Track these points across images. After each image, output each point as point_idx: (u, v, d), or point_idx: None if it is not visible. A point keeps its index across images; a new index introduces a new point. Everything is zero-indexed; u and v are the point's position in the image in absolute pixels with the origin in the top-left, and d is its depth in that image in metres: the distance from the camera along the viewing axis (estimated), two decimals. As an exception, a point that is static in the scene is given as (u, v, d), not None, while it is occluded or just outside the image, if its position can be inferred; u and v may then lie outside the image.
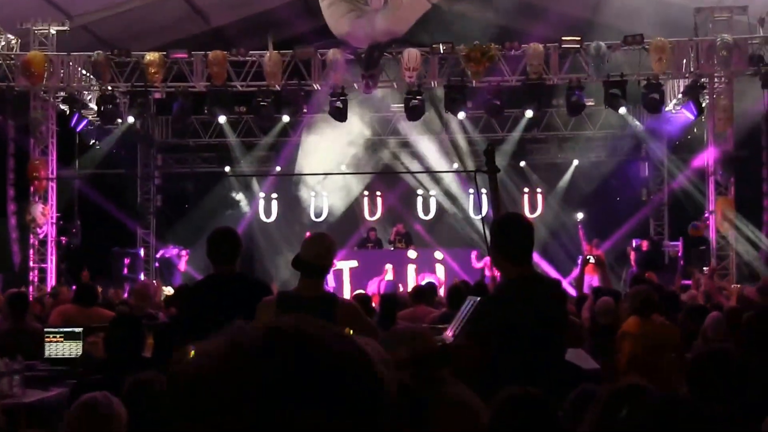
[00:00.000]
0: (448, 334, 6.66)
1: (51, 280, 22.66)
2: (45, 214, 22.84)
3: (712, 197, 22.47)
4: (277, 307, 6.10)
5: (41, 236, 22.96)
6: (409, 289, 20.47)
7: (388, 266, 23.62)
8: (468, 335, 5.74)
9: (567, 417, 4.46)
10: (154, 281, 22.15)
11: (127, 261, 25.49)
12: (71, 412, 4.91)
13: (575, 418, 4.35)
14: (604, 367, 9.86)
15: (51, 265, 23.04)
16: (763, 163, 22.83)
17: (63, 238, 23.53)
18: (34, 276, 22.78)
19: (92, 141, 24.74)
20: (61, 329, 10.03)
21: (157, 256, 26.49)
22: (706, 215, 22.69)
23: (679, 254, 24.47)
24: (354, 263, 24.32)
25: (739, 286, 18.37)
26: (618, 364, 9.93)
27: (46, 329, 10.14)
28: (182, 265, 25.34)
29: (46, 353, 9.83)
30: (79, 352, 9.64)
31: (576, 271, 23.15)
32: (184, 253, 25.53)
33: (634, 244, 24.86)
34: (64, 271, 23.12)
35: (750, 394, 5.16)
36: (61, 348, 9.82)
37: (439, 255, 24.34)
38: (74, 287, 15.32)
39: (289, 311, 5.74)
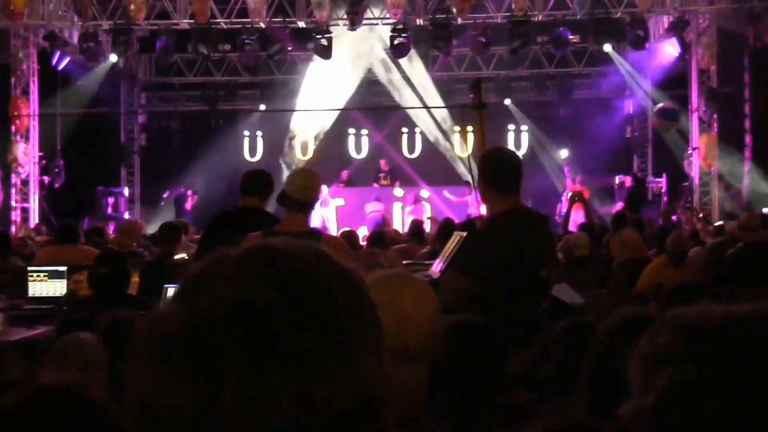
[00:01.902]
0: (435, 269, 6.65)
1: (34, 220, 22.59)
2: (27, 154, 22.72)
3: (695, 133, 22.51)
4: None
5: (23, 176, 22.86)
6: (395, 226, 20.53)
7: (379, 205, 23.70)
8: (455, 269, 5.73)
9: (559, 351, 4.45)
10: (138, 220, 22.09)
11: (111, 200, 25.42)
12: (56, 349, 4.88)
13: (566, 352, 4.35)
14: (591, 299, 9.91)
15: (34, 204, 22.96)
16: (746, 99, 22.85)
17: (45, 178, 23.43)
18: (16, 216, 22.70)
19: (74, 79, 24.53)
20: (45, 268, 10.01)
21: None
22: (690, 151, 22.73)
23: (663, 191, 24.55)
24: (341, 201, 24.34)
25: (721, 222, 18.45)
26: None
27: (30, 268, 10.11)
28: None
29: (31, 292, 9.80)
30: (64, 290, 9.62)
31: (560, 208, 23.28)
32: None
33: (618, 181, 24.92)
34: (47, 211, 23.04)
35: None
36: (45, 287, 9.80)
37: (425, 193, 24.32)
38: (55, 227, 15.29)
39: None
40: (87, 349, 4.70)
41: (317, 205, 23.18)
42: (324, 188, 23.39)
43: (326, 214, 23.52)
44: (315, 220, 22.86)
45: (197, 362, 1.16)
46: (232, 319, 1.18)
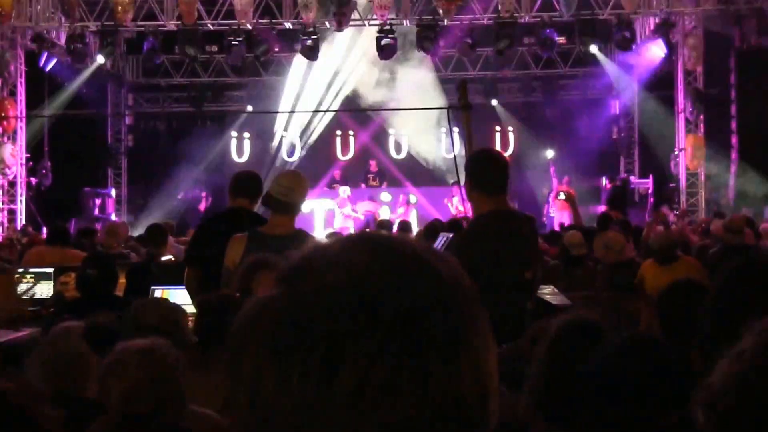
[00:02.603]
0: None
1: (21, 222, 22.54)
2: (14, 155, 22.67)
3: (682, 134, 22.56)
4: (247, 244, 6.10)
5: (10, 177, 22.80)
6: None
7: (371, 205, 23.76)
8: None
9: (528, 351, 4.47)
10: (117, 221, 22.06)
11: (98, 201, 25.37)
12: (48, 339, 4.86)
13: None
14: (575, 301, 9.94)
15: (21, 206, 22.91)
16: (732, 100, 22.92)
17: (33, 179, 23.38)
18: (3, 217, 22.65)
19: (61, 81, 24.47)
20: (32, 269, 9.98)
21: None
22: (677, 152, 22.79)
23: (649, 192, 24.58)
24: (329, 203, 24.29)
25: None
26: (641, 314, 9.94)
27: (17, 270, 10.09)
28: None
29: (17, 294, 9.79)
30: (51, 292, 9.61)
31: (547, 208, 23.36)
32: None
33: (604, 183, 24.98)
34: (34, 212, 22.99)
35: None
36: (32, 288, 9.78)
37: (413, 198, 24.28)
38: (45, 228, 15.25)
39: (260, 248, 5.75)
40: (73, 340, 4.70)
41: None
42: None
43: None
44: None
45: (311, 349, 1.11)
46: (347, 303, 1.13)
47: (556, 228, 18.86)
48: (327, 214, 24.16)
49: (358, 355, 1.10)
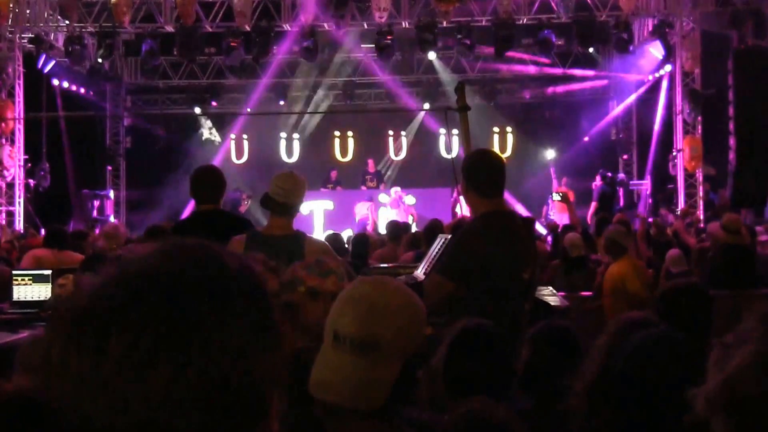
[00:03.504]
0: (419, 272, 6.65)
1: (19, 224, 22.51)
2: (12, 157, 22.65)
3: (679, 136, 22.57)
4: (246, 246, 6.09)
5: (8, 179, 22.77)
6: (380, 230, 20.49)
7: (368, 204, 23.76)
8: (439, 271, 5.74)
9: (532, 352, 4.48)
10: (117, 222, 22.04)
11: (96, 203, 25.37)
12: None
13: (539, 354, 4.38)
14: (574, 301, 9.96)
15: (19, 208, 22.88)
16: (730, 101, 22.91)
17: (31, 181, 23.36)
18: (1, 219, 22.62)
19: (60, 82, 24.46)
20: (30, 271, 9.96)
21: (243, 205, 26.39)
22: (675, 153, 22.79)
23: (648, 192, 24.60)
24: (329, 204, 24.24)
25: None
26: (603, 303, 10.05)
27: (14, 272, 10.06)
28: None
29: (15, 296, 9.76)
30: (48, 294, 9.59)
31: (546, 210, 23.34)
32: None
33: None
34: (32, 214, 22.97)
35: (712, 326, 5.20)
36: (30, 291, 9.76)
37: (411, 200, 24.23)
38: (42, 231, 15.22)
39: (258, 249, 5.74)
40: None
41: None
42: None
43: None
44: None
45: (87, 328, 1.27)
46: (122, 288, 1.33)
47: (559, 230, 18.85)
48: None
49: (123, 329, 1.25)
